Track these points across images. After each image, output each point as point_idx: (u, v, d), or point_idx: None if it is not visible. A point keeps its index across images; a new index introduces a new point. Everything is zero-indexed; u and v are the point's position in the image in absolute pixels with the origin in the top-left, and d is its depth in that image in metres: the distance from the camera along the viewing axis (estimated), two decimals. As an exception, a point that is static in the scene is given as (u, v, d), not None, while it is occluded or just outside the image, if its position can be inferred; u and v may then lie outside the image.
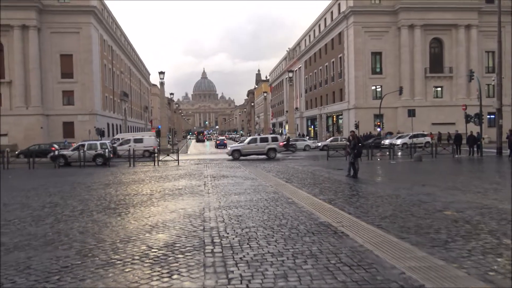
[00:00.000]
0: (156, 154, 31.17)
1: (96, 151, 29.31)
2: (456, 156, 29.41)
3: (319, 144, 47.45)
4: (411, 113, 41.76)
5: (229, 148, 34.31)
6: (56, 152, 30.04)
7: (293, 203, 10.17)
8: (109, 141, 36.13)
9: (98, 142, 31.14)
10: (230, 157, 31.35)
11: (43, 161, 29.58)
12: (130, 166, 26.50)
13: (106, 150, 29.27)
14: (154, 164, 27.60)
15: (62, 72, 51.83)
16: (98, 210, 9.94)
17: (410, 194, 11.37)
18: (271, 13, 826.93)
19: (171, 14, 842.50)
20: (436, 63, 56.19)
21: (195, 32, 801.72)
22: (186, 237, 6.93)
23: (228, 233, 7.13)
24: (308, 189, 12.91)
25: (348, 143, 16.15)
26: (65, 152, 29.92)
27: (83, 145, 29.67)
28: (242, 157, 31.04)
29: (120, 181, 17.28)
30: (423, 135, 45.47)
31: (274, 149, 31.25)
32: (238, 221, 8.16)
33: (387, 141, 42.71)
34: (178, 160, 28.62)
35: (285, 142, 35.23)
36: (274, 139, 32.65)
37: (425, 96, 54.94)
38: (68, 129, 51.63)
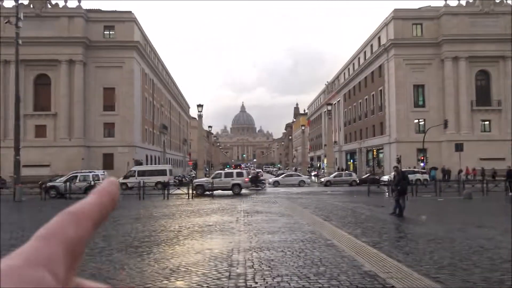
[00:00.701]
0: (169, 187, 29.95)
1: (89, 183, 28.48)
2: (510, 194, 27.12)
3: (322, 179, 46.71)
4: (459, 147, 39.53)
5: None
6: (48, 184, 29.53)
7: (333, 245, 9.07)
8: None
9: (90, 174, 30.51)
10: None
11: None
12: (164, 199, 26.00)
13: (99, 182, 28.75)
14: (188, 198, 26.99)
15: (105, 104, 53.20)
16: (120, 248, 9.20)
17: (467, 238, 10.00)
18: (310, 47, 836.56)
19: (211, 48, 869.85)
20: (483, 96, 53.71)
21: (234, 66, 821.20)
22: (207, 286, 6.01)
23: (256, 283, 6.16)
24: (348, 229, 11.74)
25: (392, 179, 14.84)
26: (56, 183, 29.45)
27: (75, 177, 29.19)
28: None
29: (150, 215, 16.64)
30: (414, 172, 42.55)
31: (238, 185, 30.22)
32: (269, 266, 7.17)
33: (385, 177, 42.21)
34: (212, 194, 27.94)
35: (250, 177, 34.88)
36: (239, 174, 31.68)
37: (472, 130, 52.31)
38: (108, 160, 52.39)
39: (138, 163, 49.97)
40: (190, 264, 7.46)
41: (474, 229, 11.45)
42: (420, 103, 54.23)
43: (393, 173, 15.39)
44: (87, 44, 51.97)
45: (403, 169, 18.78)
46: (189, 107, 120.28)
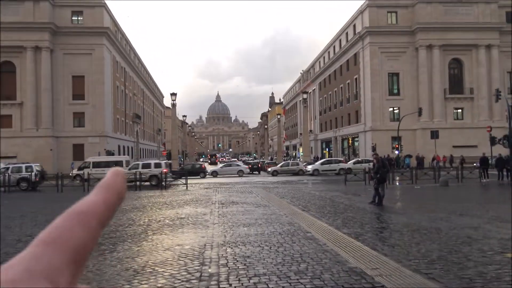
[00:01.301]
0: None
1: (20, 174, 27.96)
2: (483, 180, 27.29)
3: (309, 168, 43.48)
4: (434, 134, 39.67)
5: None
6: None
7: (313, 238, 8.46)
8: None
9: (23, 165, 29.88)
10: None
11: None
12: (135, 190, 24.99)
13: (33, 174, 27.88)
14: (161, 189, 26.10)
15: (74, 93, 51.24)
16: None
17: (452, 227, 9.56)
18: (287, 36, 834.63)
19: (187, 38, 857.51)
20: (456, 84, 54.29)
21: (210, 56, 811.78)
22: (175, 290, 5.29)
23: (230, 285, 5.47)
24: (328, 219, 11.18)
25: (371, 167, 14.36)
26: None
27: (7, 168, 28.32)
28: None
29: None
30: (338, 161, 44.81)
31: (156, 176, 29.60)
32: (244, 264, 6.49)
33: (309, 167, 43.20)
34: (186, 184, 27.09)
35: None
36: (157, 165, 31.11)
37: (445, 118, 52.86)
38: (78, 151, 50.62)
39: (110, 153, 48.45)
40: (157, 264, 6.71)
41: (457, 217, 11.06)
42: (395, 91, 54.41)
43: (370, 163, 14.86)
44: (54, 30, 49.77)
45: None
46: (163, 97, 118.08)
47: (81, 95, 51.28)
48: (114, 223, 11.30)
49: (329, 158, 53.27)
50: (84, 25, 51.34)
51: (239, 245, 7.97)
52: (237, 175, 42.09)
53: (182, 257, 7.08)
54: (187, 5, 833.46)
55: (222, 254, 7.17)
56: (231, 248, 7.70)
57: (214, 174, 43.13)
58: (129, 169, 29.83)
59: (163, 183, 27.58)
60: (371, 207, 13.88)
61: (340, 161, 45.06)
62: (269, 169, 46.00)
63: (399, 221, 10.59)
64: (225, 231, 9.59)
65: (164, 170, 29.58)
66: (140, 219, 12.10)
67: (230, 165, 47.11)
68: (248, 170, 45.45)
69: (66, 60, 50.82)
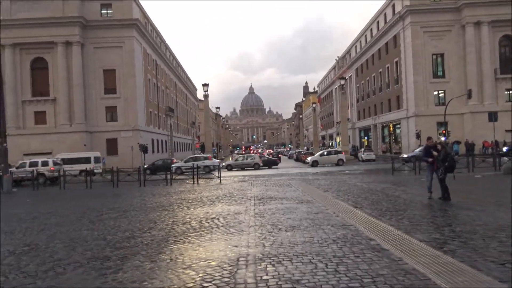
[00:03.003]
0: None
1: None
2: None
3: (308, 159, 43.96)
4: (493, 117, 35.89)
5: None
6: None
7: (381, 249, 6.37)
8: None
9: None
10: None
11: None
12: (167, 184, 23.48)
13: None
14: (194, 182, 24.51)
15: (105, 87, 50.56)
16: (81, 261, 6.59)
17: None
18: (319, 25, 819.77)
19: (218, 31, 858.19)
20: (507, 63, 49.96)
21: (242, 48, 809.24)
22: None
23: None
24: (390, 220, 9.01)
25: (435, 153, 11.99)
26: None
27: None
28: None
29: (143, 205, 14.06)
30: (337, 152, 44.10)
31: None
32: (294, 296, 4.49)
33: (308, 159, 44.17)
34: (220, 177, 25.37)
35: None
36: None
37: (496, 100, 48.78)
38: (112, 145, 50.06)
39: (143, 147, 47.48)
40: (171, 292, 4.82)
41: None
42: (440, 73, 50.73)
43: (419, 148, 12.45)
44: (84, 24, 49.14)
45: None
46: (196, 90, 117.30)
47: (112, 89, 50.58)
48: (133, 227, 9.55)
49: (329, 149, 52.60)
50: (113, 17, 50.45)
51: (283, 260, 5.99)
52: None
53: (206, 280, 5.16)
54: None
55: (262, 277, 5.20)
56: (273, 265, 5.72)
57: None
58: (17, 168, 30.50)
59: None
60: (438, 202, 11.56)
61: (338, 152, 44.44)
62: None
63: (485, 222, 8.28)
64: (263, 238, 7.62)
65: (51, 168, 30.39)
66: (164, 221, 10.32)
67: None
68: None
69: (96, 54, 50.18)
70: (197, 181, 24.93)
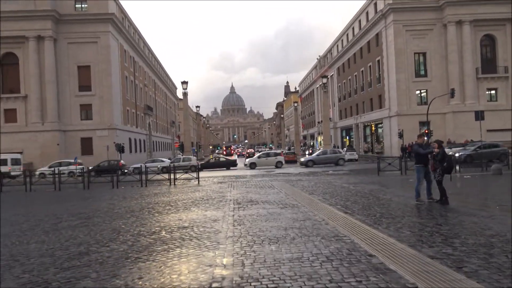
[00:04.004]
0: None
1: None
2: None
3: (302, 160, 41.10)
4: (479, 116, 35.16)
5: None
6: None
7: (387, 269, 5.21)
8: None
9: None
10: None
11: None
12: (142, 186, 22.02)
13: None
14: (170, 184, 23.12)
15: (80, 84, 48.52)
16: (17, 285, 5.24)
17: None
18: (300, 25, 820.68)
19: (200, 31, 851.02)
20: (488, 63, 49.91)
21: (224, 48, 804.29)
22: None
23: None
24: (388, 228, 7.89)
25: (436, 150, 10.94)
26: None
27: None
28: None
29: (110, 210, 12.66)
30: (276, 154, 42.39)
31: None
32: None
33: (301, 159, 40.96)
34: (198, 178, 24.03)
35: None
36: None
37: (477, 100, 48.60)
38: (87, 145, 48.12)
39: (119, 147, 45.73)
40: None
41: None
42: (422, 72, 50.30)
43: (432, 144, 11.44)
44: (57, 18, 47.09)
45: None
46: (176, 89, 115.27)
47: (87, 86, 48.62)
48: (91, 239, 8.18)
49: (268, 151, 49.15)
50: (88, 12, 48.45)
51: (266, 287, 4.76)
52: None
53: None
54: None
55: (239, 314, 3.96)
56: (255, 294, 4.50)
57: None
58: None
59: None
60: (436, 206, 10.52)
61: (278, 154, 42.44)
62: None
63: (498, 232, 7.21)
64: (242, 253, 6.38)
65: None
66: (129, 231, 8.99)
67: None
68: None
69: (70, 50, 48.17)
70: (174, 182, 23.58)
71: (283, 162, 40.76)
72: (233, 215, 10.42)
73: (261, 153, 45.82)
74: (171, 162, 39.58)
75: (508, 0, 47.61)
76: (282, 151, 57.05)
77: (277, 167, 38.80)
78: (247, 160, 43.06)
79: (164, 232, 8.57)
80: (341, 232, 7.62)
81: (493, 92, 49.90)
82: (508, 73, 49.05)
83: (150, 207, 12.99)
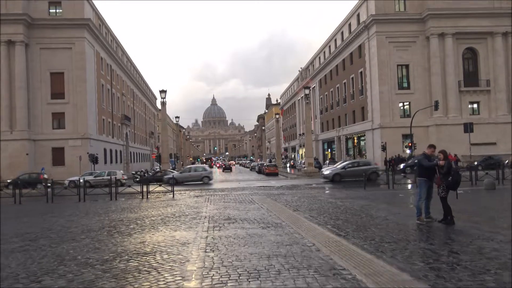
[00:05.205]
0: None
1: None
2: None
3: (327, 172, 33.31)
4: (468, 128, 34.05)
5: None
6: None
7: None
8: None
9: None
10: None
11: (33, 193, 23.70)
12: (111, 199, 20.12)
13: None
14: (143, 197, 21.33)
15: (52, 92, 46.24)
16: None
17: None
18: (284, 37, 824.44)
19: (182, 41, 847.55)
20: (471, 76, 49.72)
21: (206, 59, 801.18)
22: None
23: None
24: (394, 255, 6.43)
25: (442, 162, 9.61)
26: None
27: None
28: None
29: (65, 229, 10.89)
30: (204, 169, 38.24)
31: None
32: None
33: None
34: (173, 191, 22.30)
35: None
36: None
37: (460, 113, 48.22)
38: (58, 155, 45.71)
39: (93, 157, 43.60)
40: None
41: None
42: (405, 84, 49.72)
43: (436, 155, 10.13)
44: (29, 23, 44.93)
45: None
46: (156, 99, 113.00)
47: (60, 94, 46.30)
48: (20, 271, 6.47)
49: (196, 166, 44.52)
50: (62, 16, 46.46)
51: None
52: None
53: None
54: (182, 7, 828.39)
55: None
56: None
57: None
58: None
59: None
60: (441, 227, 9.14)
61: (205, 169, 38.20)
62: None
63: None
64: (213, 296, 4.81)
65: None
66: (75, 259, 7.30)
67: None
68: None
69: (43, 55, 45.91)
70: (147, 196, 21.79)
71: (211, 178, 37.04)
72: (207, 237, 8.83)
73: (185, 168, 42.26)
74: (180, 172, 36.98)
75: (490, 13, 47.80)
76: (263, 163, 55.41)
77: (204, 183, 34.70)
78: (175, 173, 38.06)
79: (118, 261, 6.92)
80: (338, 263, 6.12)
81: (475, 105, 49.62)
82: (490, 87, 48.90)
83: (112, 226, 11.28)
